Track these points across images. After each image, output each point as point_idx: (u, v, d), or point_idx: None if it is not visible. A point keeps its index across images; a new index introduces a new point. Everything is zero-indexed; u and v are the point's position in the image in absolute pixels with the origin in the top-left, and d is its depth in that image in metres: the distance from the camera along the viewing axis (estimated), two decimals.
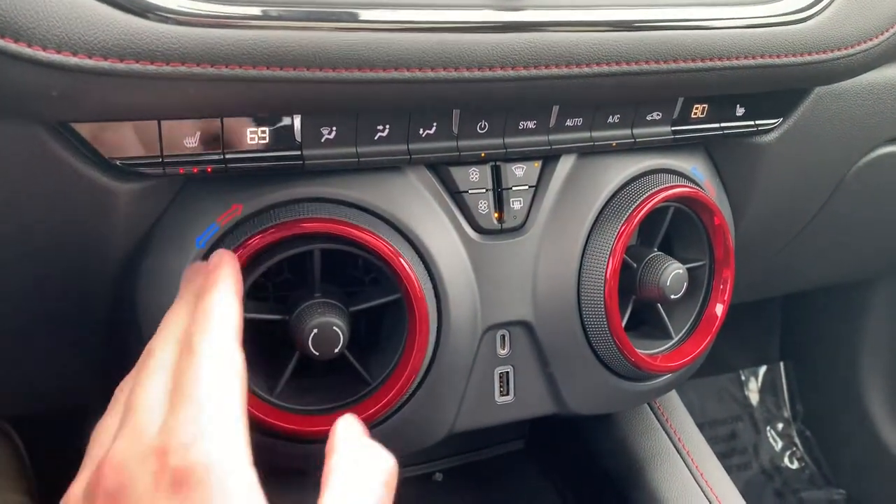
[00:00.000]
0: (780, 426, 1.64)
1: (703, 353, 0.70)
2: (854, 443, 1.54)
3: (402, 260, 0.56)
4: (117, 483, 0.38)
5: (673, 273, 0.66)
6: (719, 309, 0.71)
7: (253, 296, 0.57)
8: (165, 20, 0.45)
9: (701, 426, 1.60)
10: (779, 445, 1.62)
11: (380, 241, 0.56)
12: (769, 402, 1.65)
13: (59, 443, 0.95)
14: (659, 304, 0.70)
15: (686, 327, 0.72)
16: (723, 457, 1.57)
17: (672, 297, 0.66)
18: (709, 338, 0.70)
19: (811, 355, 1.62)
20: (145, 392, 0.42)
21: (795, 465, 1.60)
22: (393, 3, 0.50)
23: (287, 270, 0.62)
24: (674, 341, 0.71)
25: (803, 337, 1.63)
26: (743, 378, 1.66)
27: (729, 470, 1.56)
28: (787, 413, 1.65)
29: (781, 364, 1.66)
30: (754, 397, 1.65)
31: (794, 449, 1.62)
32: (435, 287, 0.60)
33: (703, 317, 0.71)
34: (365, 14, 0.49)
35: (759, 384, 1.66)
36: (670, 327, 0.71)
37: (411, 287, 0.57)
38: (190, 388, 0.41)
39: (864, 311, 1.47)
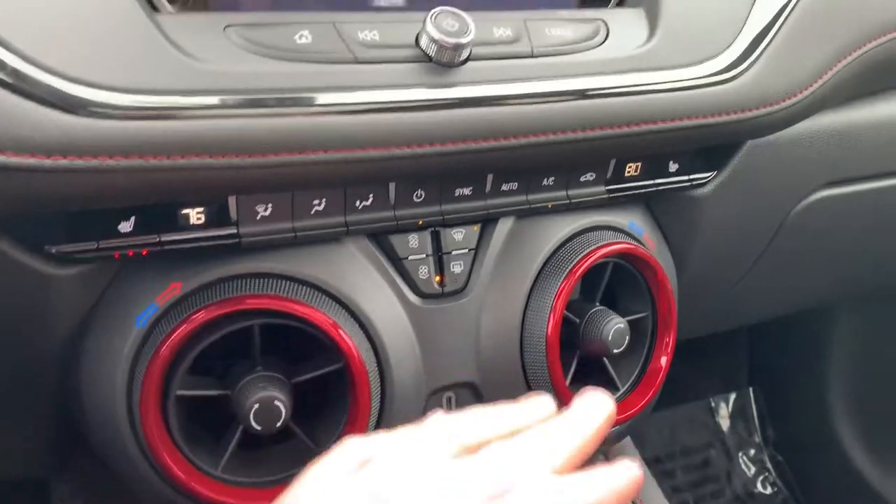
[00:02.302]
0: (752, 452, 1.65)
1: (648, 404, 0.72)
2: (825, 466, 1.55)
3: (341, 332, 0.57)
4: None
5: (615, 328, 0.67)
6: (663, 361, 0.72)
7: (195, 370, 0.57)
8: (93, 115, 0.46)
9: (673, 455, 1.62)
10: (751, 471, 1.64)
11: (319, 314, 0.57)
12: (740, 429, 1.67)
13: None
14: (605, 358, 0.71)
15: (631, 379, 0.73)
16: (696, 485, 1.58)
17: (615, 350, 0.68)
18: (653, 390, 0.71)
19: (780, 380, 1.63)
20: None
21: (769, 491, 1.61)
22: (320, 87, 0.51)
23: (229, 343, 0.63)
24: (620, 393, 0.72)
25: (771, 362, 1.65)
26: (713, 405, 1.67)
27: (703, 498, 1.58)
28: (758, 439, 1.67)
29: (751, 390, 1.68)
30: (725, 424, 1.67)
31: (767, 474, 1.63)
32: (377, 355, 0.61)
33: (647, 369, 0.72)
34: (292, 99, 0.50)
35: (730, 410, 1.68)
36: (617, 380, 0.72)
37: (352, 358, 0.58)
38: None
39: (828, 337, 1.49)
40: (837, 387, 1.52)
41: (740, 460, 1.64)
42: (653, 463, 1.58)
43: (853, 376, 1.50)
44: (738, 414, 1.67)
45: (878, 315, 1.44)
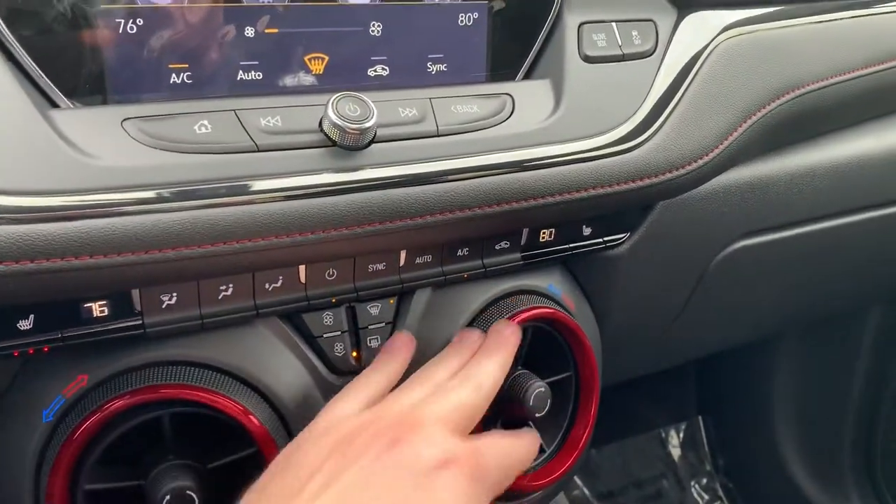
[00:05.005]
0: (704, 480, 1.67)
1: (572, 468, 0.72)
2: (774, 492, 1.58)
3: (252, 418, 0.57)
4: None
5: (535, 392, 0.67)
6: (585, 427, 0.72)
7: (106, 458, 0.56)
8: None
9: (626, 488, 1.62)
10: (704, 500, 1.65)
11: (228, 402, 0.56)
12: (691, 458, 1.69)
13: None
14: (530, 422, 0.72)
15: (555, 442, 0.73)
16: None
17: (537, 415, 0.68)
18: (575, 455, 0.71)
19: (727, 408, 1.66)
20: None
21: None
22: (221, 178, 0.51)
23: (141, 429, 0.62)
24: (545, 456, 0.72)
25: (719, 391, 1.67)
26: (664, 435, 1.69)
27: None
28: (709, 467, 1.68)
29: (700, 418, 1.70)
30: (676, 453, 1.68)
31: (719, 502, 1.65)
32: (291, 436, 0.60)
33: (571, 432, 0.73)
34: (191, 192, 0.50)
35: (681, 440, 1.69)
36: (543, 442, 0.72)
37: (264, 443, 0.57)
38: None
39: (772, 364, 1.52)
40: (782, 411, 1.55)
41: (693, 490, 1.66)
42: (606, 497, 1.59)
43: (796, 401, 1.53)
44: (689, 443, 1.69)
45: (816, 342, 1.47)
